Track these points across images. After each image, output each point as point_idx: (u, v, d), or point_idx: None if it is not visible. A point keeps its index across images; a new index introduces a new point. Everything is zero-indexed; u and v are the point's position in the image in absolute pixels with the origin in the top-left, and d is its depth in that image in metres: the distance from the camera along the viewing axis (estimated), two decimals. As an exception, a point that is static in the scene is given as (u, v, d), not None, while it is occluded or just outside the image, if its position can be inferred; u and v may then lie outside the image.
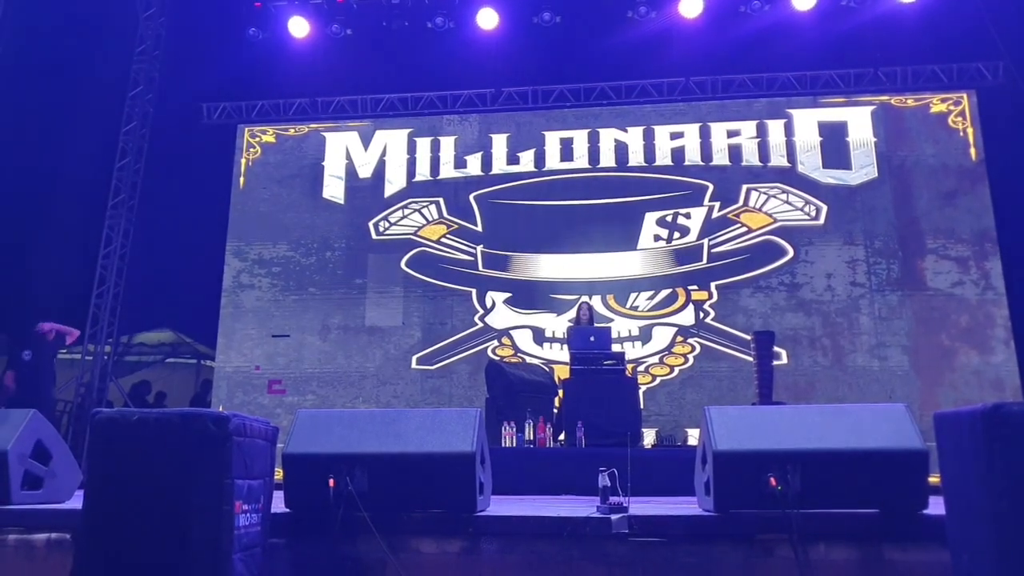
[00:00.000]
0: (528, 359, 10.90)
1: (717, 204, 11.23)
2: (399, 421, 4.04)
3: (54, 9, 11.30)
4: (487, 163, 11.86)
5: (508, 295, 11.35)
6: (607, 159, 11.65)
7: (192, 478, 3.10)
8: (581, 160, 11.70)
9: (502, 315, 11.30)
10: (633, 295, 11.12)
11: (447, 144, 12.00)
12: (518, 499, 5.72)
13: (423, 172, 11.94)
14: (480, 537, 3.82)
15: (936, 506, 3.52)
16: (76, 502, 4.18)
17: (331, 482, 3.73)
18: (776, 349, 9.58)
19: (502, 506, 4.40)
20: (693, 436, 10.06)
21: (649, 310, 11.05)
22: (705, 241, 11.12)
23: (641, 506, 4.09)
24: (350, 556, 3.78)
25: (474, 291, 11.43)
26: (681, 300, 11.04)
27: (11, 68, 10.72)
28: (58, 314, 11.66)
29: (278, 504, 3.80)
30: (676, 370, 10.83)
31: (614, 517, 3.74)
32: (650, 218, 11.31)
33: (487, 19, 11.31)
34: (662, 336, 10.95)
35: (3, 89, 10.55)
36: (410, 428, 3.97)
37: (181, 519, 3.05)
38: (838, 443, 3.75)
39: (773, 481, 3.62)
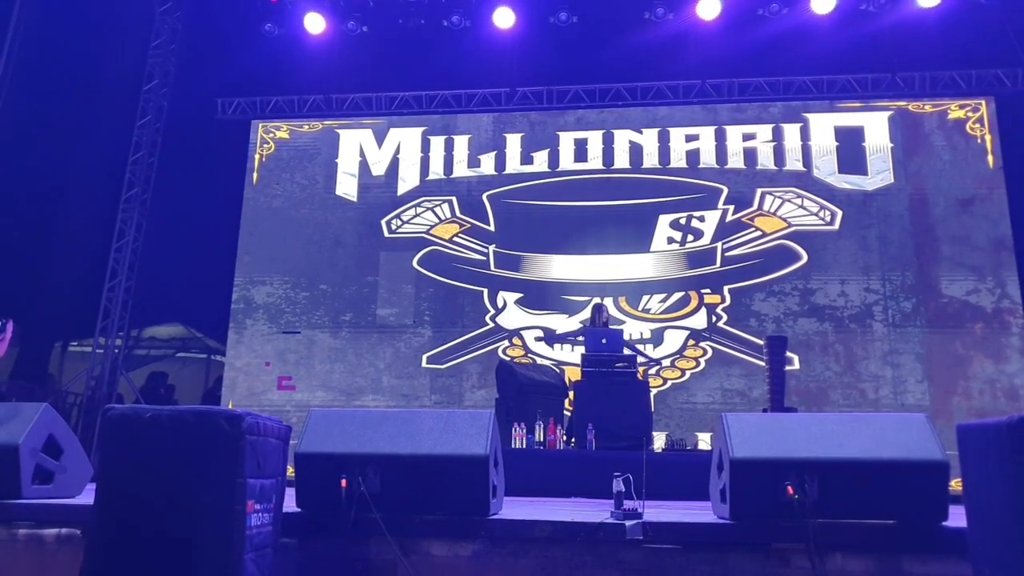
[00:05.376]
0: (539, 360, 10.86)
1: (731, 207, 11.17)
2: (412, 422, 4.00)
3: (70, 3, 11.31)
4: (501, 163, 11.83)
5: (519, 295, 11.31)
6: (621, 160, 11.59)
7: (204, 477, 3.07)
8: (595, 161, 11.65)
9: (513, 315, 11.26)
10: (645, 297, 11.07)
11: (461, 143, 11.97)
12: (528, 501, 5.69)
13: (436, 171, 11.91)
14: (492, 540, 3.78)
15: (956, 518, 3.47)
16: (87, 497, 4.16)
17: (343, 482, 3.69)
18: (788, 354, 9.50)
19: (514, 509, 4.36)
20: (704, 440, 10.01)
21: (661, 313, 10.99)
22: (719, 244, 11.06)
23: (655, 512, 4.04)
24: (361, 557, 3.74)
25: (485, 291, 11.40)
26: (694, 303, 10.98)
27: (27, 62, 10.73)
28: (70, 306, 11.74)
29: (289, 503, 3.76)
30: (687, 373, 10.78)
31: (628, 523, 3.70)
32: (664, 220, 11.25)
33: (503, 18, 11.26)
34: (674, 339, 10.89)
35: (19, 82, 10.56)
36: (423, 429, 3.93)
37: (192, 518, 3.03)
38: (857, 452, 3.69)
39: (790, 490, 3.57)
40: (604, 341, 8.45)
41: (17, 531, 4.04)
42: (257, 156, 12.28)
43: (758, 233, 11.08)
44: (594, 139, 11.74)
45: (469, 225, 11.64)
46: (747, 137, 11.44)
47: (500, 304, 11.33)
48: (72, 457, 4.68)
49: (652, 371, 10.59)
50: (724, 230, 11.13)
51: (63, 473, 4.57)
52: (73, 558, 3.82)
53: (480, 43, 11.57)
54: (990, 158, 10.89)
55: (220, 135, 12.44)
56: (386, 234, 11.76)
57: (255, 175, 12.21)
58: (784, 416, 5.26)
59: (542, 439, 7.86)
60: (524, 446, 7.75)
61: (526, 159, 11.79)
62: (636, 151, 11.60)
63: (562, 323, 11.11)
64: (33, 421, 4.37)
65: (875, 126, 11.24)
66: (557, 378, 9.26)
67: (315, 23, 11.56)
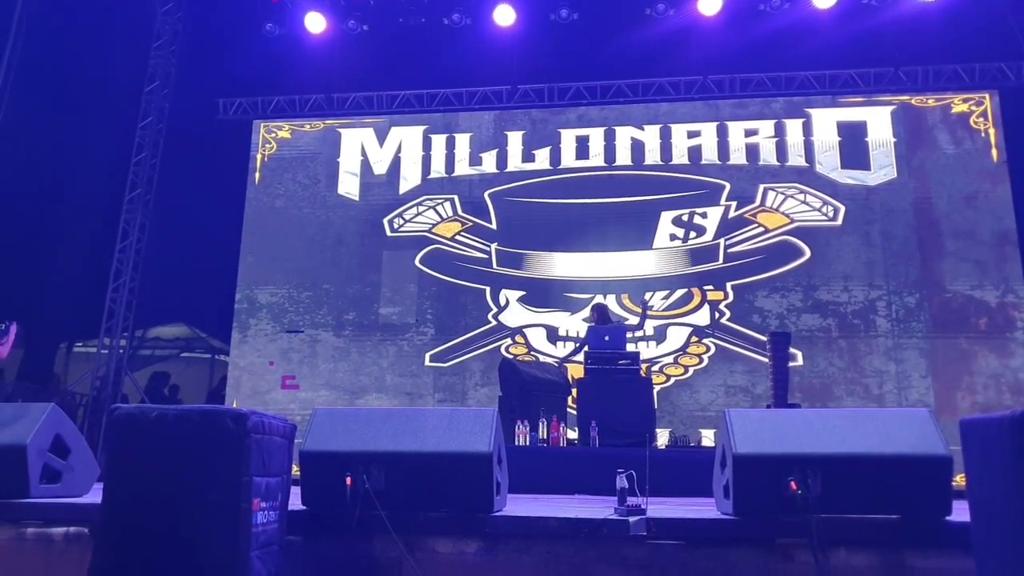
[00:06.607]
0: (541, 358, 10.87)
1: (734, 204, 11.16)
2: (416, 420, 4.02)
3: (72, 5, 11.33)
4: (502, 160, 11.83)
5: (522, 293, 11.32)
6: (623, 157, 11.59)
7: (210, 475, 3.08)
8: (597, 158, 11.64)
9: (516, 313, 11.27)
10: (648, 295, 11.06)
11: (462, 141, 11.98)
12: (532, 498, 5.70)
13: (438, 169, 11.92)
14: (496, 537, 3.80)
15: (960, 512, 3.47)
16: (94, 496, 4.18)
17: (348, 480, 3.71)
18: (792, 350, 9.50)
19: (518, 506, 4.38)
20: (707, 437, 10.02)
21: (664, 310, 11.00)
22: (721, 241, 11.06)
23: (659, 508, 4.05)
24: (366, 554, 3.76)
25: (488, 289, 11.40)
26: (696, 300, 10.98)
27: (29, 64, 10.75)
28: (74, 307, 11.77)
29: (295, 501, 3.78)
30: (691, 370, 10.78)
31: (632, 519, 3.71)
32: (666, 217, 11.25)
33: (504, 16, 11.26)
34: (677, 336, 10.90)
35: (21, 84, 10.58)
36: (427, 427, 3.94)
37: (198, 516, 3.04)
38: (860, 447, 3.69)
39: (794, 485, 3.57)
40: (607, 338, 8.46)
41: (26, 530, 4.07)
42: (259, 156, 12.30)
43: (761, 229, 11.07)
44: (596, 136, 11.73)
45: (471, 223, 11.65)
46: (749, 133, 11.42)
47: (503, 302, 11.34)
48: (79, 456, 4.71)
49: (656, 368, 10.60)
50: (727, 226, 11.12)
51: (70, 472, 4.60)
52: (81, 556, 3.84)
53: (481, 41, 11.56)
54: (994, 152, 10.86)
55: (222, 135, 12.46)
56: (388, 233, 11.78)
57: (257, 175, 12.23)
58: (787, 412, 5.28)
59: (545, 436, 7.88)
60: (527, 443, 7.78)
61: (528, 157, 11.79)
62: (638, 148, 11.59)
63: (564, 320, 11.12)
64: (40, 421, 4.40)
65: (878, 121, 11.22)
66: (560, 375, 9.27)
67: (316, 22, 11.57)
